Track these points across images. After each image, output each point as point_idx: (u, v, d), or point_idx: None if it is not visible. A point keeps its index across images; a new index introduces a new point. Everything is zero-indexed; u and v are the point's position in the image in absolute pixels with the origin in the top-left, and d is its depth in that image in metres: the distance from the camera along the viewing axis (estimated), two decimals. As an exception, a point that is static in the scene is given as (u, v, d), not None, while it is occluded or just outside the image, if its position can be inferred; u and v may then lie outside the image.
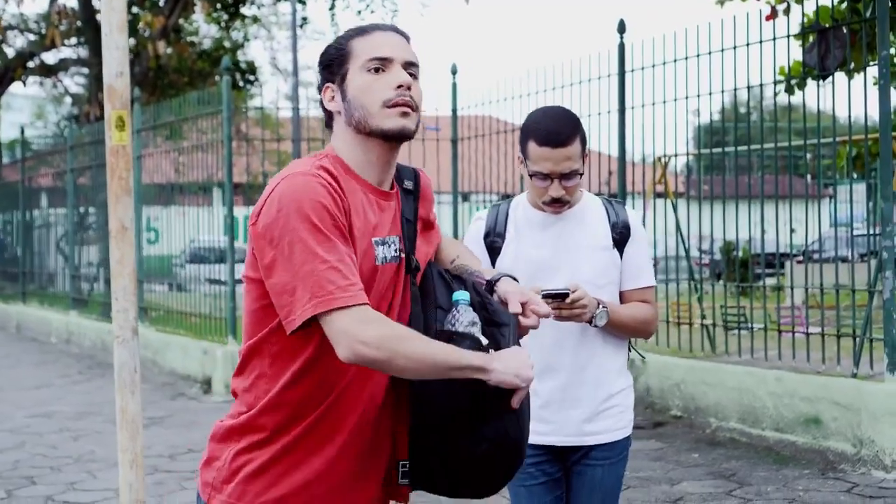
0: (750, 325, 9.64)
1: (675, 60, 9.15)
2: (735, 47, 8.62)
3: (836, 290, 8.43)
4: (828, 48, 7.83)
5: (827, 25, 8.10)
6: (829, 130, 8.57)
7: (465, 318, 2.63)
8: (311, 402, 2.59)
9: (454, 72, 12.34)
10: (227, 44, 20.93)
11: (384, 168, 2.67)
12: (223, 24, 20.74)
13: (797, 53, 9.95)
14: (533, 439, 3.72)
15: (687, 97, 9.17)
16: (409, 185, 2.77)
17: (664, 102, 9.40)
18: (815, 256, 11.41)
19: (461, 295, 2.67)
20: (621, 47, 9.82)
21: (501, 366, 2.53)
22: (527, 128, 3.65)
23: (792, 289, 11.98)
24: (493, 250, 3.76)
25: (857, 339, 8.10)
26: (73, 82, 25.86)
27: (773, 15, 9.13)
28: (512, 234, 3.75)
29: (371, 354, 2.42)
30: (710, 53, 8.82)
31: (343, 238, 2.49)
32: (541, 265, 3.68)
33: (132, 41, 18.87)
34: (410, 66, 2.64)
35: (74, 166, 17.10)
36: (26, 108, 30.39)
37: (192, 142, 13.83)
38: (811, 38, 8.53)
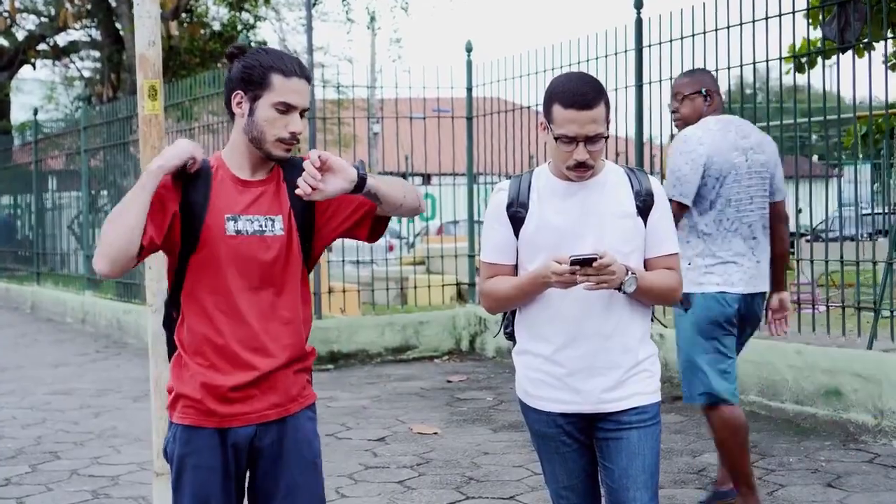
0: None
1: (692, 35, 9.13)
2: (753, 21, 8.61)
3: (857, 264, 8.46)
4: (847, 21, 7.82)
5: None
6: (839, 109, 8.59)
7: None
8: None
9: (469, 49, 12.34)
10: (238, 25, 20.93)
11: (255, 166, 3.43)
12: (234, 4, 20.71)
13: (807, 30, 9.90)
14: (562, 408, 3.76)
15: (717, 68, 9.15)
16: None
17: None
18: (824, 236, 11.44)
19: None
20: (638, 22, 9.82)
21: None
22: (551, 92, 3.65)
23: (799, 263, 11.97)
24: (516, 220, 3.75)
25: (874, 312, 8.13)
26: (83, 65, 25.87)
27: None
28: (535, 204, 3.74)
29: None
30: (728, 28, 8.80)
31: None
32: (565, 233, 3.67)
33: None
34: (304, 111, 3.39)
35: (87, 147, 17.11)
36: (36, 91, 30.38)
37: (203, 122, 13.84)
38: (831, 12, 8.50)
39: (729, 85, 9.92)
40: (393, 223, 26.41)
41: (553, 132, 3.63)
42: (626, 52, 9.93)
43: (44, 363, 12.74)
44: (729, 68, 8.96)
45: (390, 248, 19.12)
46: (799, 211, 9.71)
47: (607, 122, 3.64)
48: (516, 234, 3.76)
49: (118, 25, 19.11)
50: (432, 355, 11.92)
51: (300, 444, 3.51)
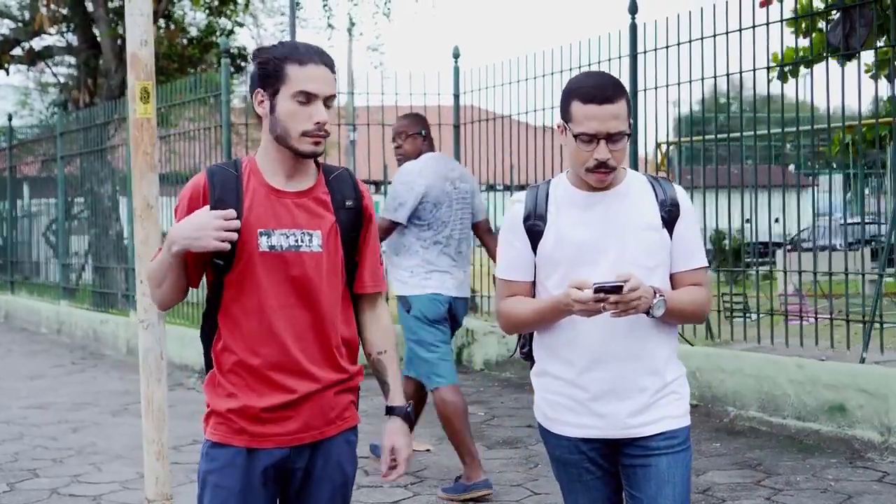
0: (748, 313, 9.54)
1: (689, 41, 8.94)
2: (752, 27, 8.42)
3: (847, 275, 8.31)
4: (853, 27, 7.62)
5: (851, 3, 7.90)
6: (813, 119, 8.51)
7: None
8: None
9: (456, 55, 12.09)
10: (217, 31, 20.61)
11: (290, 172, 3.24)
12: (214, 9, 20.39)
13: (808, 38, 9.74)
14: (584, 433, 3.52)
15: (702, 79, 8.97)
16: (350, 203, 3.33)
17: (678, 84, 9.18)
18: (805, 245, 11.31)
19: None
20: (633, 28, 9.61)
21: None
22: (569, 89, 3.43)
23: (786, 275, 11.81)
24: (534, 234, 3.51)
25: (864, 324, 8.00)
26: (58, 70, 25.48)
27: (768, 1, 8.92)
28: (553, 216, 3.50)
29: None
30: (727, 34, 8.61)
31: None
32: (585, 247, 3.44)
33: (121, 29, 18.53)
34: (330, 99, 3.19)
35: (63, 153, 16.78)
36: (10, 97, 29.93)
37: (181, 129, 13.57)
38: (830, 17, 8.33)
39: (728, 90, 9.72)
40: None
41: (572, 131, 3.39)
42: (620, 58, 9.72)
43: (19, 375, 12.40)
44: (728, 75, 8.77)
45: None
46: (776, 220, 9.56)
47: (629, 120, 3.41)
48: (534, 248, 3.52)
49: (95, 30, 18.78)
50: (419, 367, 11.62)
51: (331, 469, 3.32)
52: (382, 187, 11.86)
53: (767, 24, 8.43)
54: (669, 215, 3.51)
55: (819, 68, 8.61)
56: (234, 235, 3.09)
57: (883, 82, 10.19)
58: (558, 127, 3.51)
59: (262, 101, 3.19)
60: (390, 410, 3.39)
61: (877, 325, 8.12)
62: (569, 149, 3.46)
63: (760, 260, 17.62)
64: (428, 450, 7.86)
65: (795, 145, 12.05)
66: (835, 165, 16.18)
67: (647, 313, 3.36)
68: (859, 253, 12.08)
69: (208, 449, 3.28)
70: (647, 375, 3.48)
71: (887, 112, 11.04)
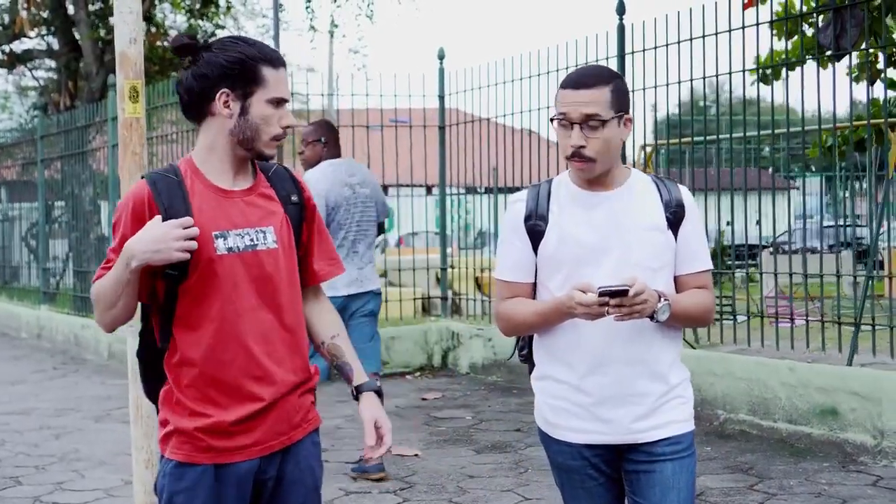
0: (734, 315, 9.50)
1: (678, 42, 8.87)
2: (742, 28, 8.37)
3: (838, 278, 8.30)
4: (843, 27, 7.56)
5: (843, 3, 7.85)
6: (789, 122, 8.50)
7: None
8: None
9: (441, 56, 12.01)
10: (198, 33, 20.50)
11: (236, 171, 3.16)
12: (195, 12, 20.26)
13: (774, 41, 9.71)
14: (588, 439, 3.43)
15: (691, 80, 8.92)
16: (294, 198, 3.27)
17: (667, 85, 9.12)
18: (787, 247, 11.31)
19: None
20: (621, 28, 9.54)
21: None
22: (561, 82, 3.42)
23: (773, 277, 11.78)
24: (535, 234, 3.43)
25: (854, 327, 7.97)
26: (39, 74, 25.28)
27: (751, 3, 8.87)
28: (556, 215, 3.42)
29: None
30: (716, 34, 8.55)
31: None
32: (589, 248, 3.36)
33: (102, 31, 18.39)
34: (288, 102, 3.16)
35: (44, 157, 16.62)
36: (-12, 101, 29.78)
37: (162, 132, 13.45)
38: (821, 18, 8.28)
39: (704, 92, 9.67)
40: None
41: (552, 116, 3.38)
42: (607, 58, 9.63)
43: (-1, 381, 12.26)
44: (717, 76, 8.72)
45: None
46: (757, 223, 9.53)
47: (617, 110, 3.32)
48: (535, 249, 3.44)
49: (76, 33, 18.63)
50: (404, 371, 11.55)
51: (303, 473, 3.24)
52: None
53: (757, 24, 8.38)
54: (674, 216, 3.43)
55: (805, 70, 8.57)
56: (194, 244, 2.98)
57: (871, 84, 10.18)
58: (552, 120, 3.45)
59: (229, 102, 3.07)
60: (359, 388, 3.31)
61: (865, 328, 8.09)
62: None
63: (744, 263, 17.66)
64: (416, 454, 7.77)
65: (776, 148, 12.08)
66: (813, 168, 16.13)
67: (652, 317, 3.28)
68: (841, 255, 12.09)
69: (172, 469, 3.13)
70: (650, 380, 3.40)
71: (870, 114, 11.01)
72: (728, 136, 9.26)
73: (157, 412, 3.23)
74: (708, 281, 3.51)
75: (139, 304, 3.13)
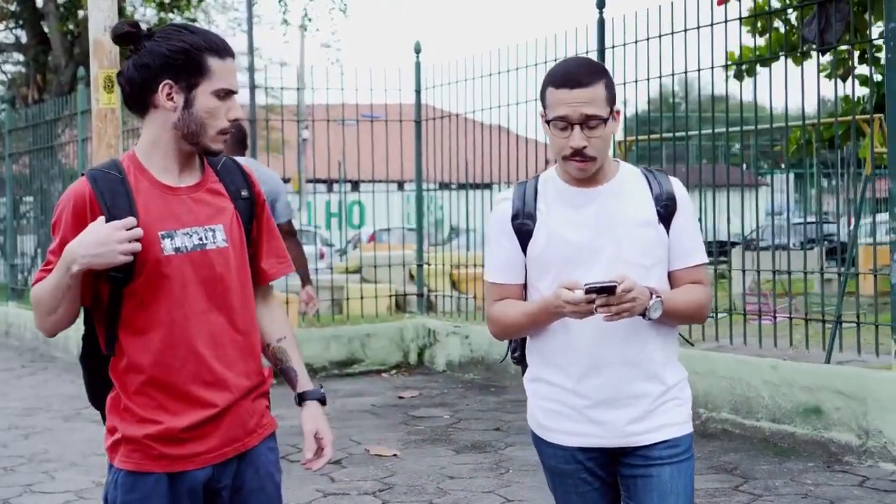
0: (717, 311, 9.42)
1: (659, 36, 8.76)
2: (725, 22, 8.27)
3: (822, 274, 8.22)
4: (828, 21, 7.47)
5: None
6: (756, 118, 8.48)
7: None
8: None
9: (418, 50, 11.87)
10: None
11: (183, 166, 3.00)
12: (165, 5, 20.07)
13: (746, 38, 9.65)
14: (583, 442, 3.31)
15: (672, 75, 8.81)
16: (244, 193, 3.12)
17: (647, 80, 9.01)
18: (759, 244, 11.25)
19: None
20: (601, 22, 9.42)
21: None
22: (546, 78, 3.27)
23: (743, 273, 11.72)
24: (523, 234, 3.30)
25: (831, 324, 7.91)
26: (4, 68, 25.00)
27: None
28: (544, 214, 3.30)
29: None
30: (698, 28, 8.45)
31: None
32: (579, 247, 3.24)
33: (71, 24, 18.15)
34: (236, 94, 3.00)
35: (11, 151, 16.37)
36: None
37: (131, 126, 13.24)
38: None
39: (686, 88, 9.57)
40: (323, 231, 25.83)
41: (546, 117, 3.23)
42: (587, 52, 9.51)
43: (-34, 379, 12.03)
44: (699, 70, 8.61)
45: (321, 256, 18.65)
46: (728, 221, 9.48)
47: (611, 107, 3.22)
48: (524, 248, 3.31)
49: (44, 26, 18.40)
50: (380, 369, 11.41)
51: (263, 480, 3.13)
52: (335, 186, 11.63)
53: (741, 19, 8.29)
54: (666, 210, 3.32)
55: (776, 67, 8.51)
56: (138, 246, 2.84)
57: (844, 80, 10.14)
58: (541, 116, 3.32)
59: (172, 94, 2.91)
60: (303, 396, 3.21)
61: (846, 326, 8.03)
62: (549, 138, 3.29)
63: (718, 260, 17.63)
64: (395, 455, 7.63)
65: (747, 145, 12.04)
66: (783, 165, 16.10)
67: (644, 315, 3.16)
68: (813, 252, 12.06)
69: (122, 478, 2.98)
70: (646, 380, 3.29)
71: (843, 112, 10.98)
72: (697, 132, 9.20)
73: (104, 419, 3.08)
74: (703, 275, 3.39)
75: (82, 307, 2.99)
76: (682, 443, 3.34)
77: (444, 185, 13.38)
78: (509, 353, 3.59)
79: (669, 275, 3.34)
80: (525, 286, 3.38)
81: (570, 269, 3.21)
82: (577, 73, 3.20)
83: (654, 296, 3.15)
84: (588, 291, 3.05)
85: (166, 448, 2.95)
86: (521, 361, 3.52)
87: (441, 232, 18.20)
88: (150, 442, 2.95)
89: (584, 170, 3.23)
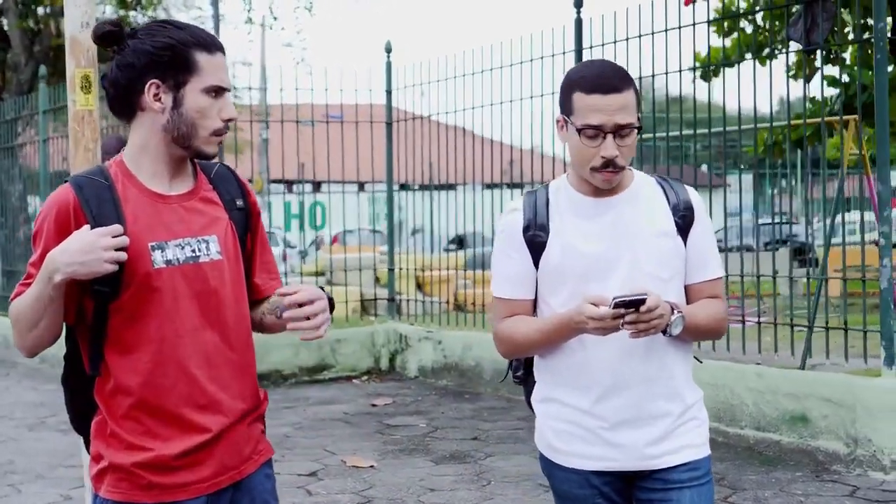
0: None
1: (639, 36, 8.61)
2: (708, 22, 8.13)
3: (808, 278, 8.11)
4: (814, 21, 7.34)
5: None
6: (724, 120, 8.40)
7: None
8: None
9: (388, 50, 11.66)
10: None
11: (174, 173, 2.81)
12: (127, 3, 19.75)
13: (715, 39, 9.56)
14: (599, 465, 3.13)
15: (653, 76, 8.66)
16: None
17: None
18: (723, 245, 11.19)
19: None
20: (578, 23, 9.26)
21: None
22: (569, 80, 3.06)
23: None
24: (536, 247, 3.12)
25: (808, 329, 7.83)
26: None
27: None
28: (557, 225, 3.11)
29: None
30: (679, 28, 8.30)
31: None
32: (595, 259, 3.06)
33: (31, 22, 17.80)
34: (228, 91, 2.80)
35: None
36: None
37: (111, 122, 12.96)
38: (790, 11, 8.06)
39: (667, 88, 9.44)
40: (289, 232, 25.55)
41: (574, 124, 3.01)
42: (564, 53, 9.36)
43: (-76, 386, 11.71)
44: (680, 71, 8.47)
45: (284, 258, 18.41)
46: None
47: (638, 114, 3.04)
48: (536, 262, 3.13)
49: (3, 22, 18.04)
50: (350, 375, 11.19)
51: None
52: (295, 187, 11.42)
53: (725, 19, 8.15)
54: (684, 220, 3.15)
55: (743, 68, 8.43)
56: (124, 255, 2.63)
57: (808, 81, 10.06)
58: (557, 122, 3.12)
59: (160, 95, 2.73)
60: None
61: (817, 330, 7.94)
62: (571, 146, 3.09)
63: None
64: (372, 466, 7.42)
65: (706, 146, 11.95)
66: (744, 166, 16.06)
67: (664, 332, 2.98)
68: (778, 253, 11.97)
69: None
70: (668, 399, 3.12)
71: (810, 113, 10.93)
72: (655, 134, 9.10)
73: (87, 445, 2.87)
74: (720, 290, 3.23)
75: (64, 325, 2.77)
76: (703, 465, 3.17)
77: (405, 187, 13.22)
78: (510, 372, 3.40)
79: (686, 288, 3.17)
80: (534, 301, 3.19)
81: (587, 282, 3.05)
82: (611, 76, 3.00)
83: (675, 311, 2.98)
84: (617, 306, 2.87)
85: (157, 477, 2.75)
86: (525, 381, 3.34)
87: (405, 233, 18.03)
88: (138, 470, 2.74)
89: (613, 181, 3.06)
